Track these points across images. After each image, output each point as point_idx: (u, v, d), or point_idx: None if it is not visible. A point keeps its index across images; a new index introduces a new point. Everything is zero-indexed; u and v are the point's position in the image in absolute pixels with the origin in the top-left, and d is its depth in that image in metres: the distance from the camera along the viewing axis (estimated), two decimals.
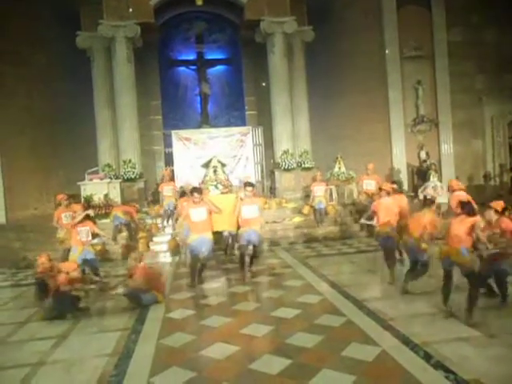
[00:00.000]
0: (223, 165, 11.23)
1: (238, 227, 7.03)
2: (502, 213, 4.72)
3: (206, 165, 11.23)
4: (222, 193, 9.71)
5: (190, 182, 11.01)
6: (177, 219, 8.19)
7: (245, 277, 6.54)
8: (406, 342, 3.79)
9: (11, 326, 5.08)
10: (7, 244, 10.06)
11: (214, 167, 10.74)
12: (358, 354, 3.62)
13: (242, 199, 6.73)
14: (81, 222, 6.66)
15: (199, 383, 3.32)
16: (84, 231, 6.58)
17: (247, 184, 6.96)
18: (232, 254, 8.38)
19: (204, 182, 10.50)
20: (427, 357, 3.47)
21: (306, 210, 10.60)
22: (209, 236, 6.35)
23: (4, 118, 13.45)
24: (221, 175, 10.62)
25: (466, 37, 15.46)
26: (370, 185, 9.86)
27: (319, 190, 10.33)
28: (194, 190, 6.51)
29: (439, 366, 3.31)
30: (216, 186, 10.05)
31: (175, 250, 9.10)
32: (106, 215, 10.09)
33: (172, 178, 11.79)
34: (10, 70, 13.28)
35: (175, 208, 9.67)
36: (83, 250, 6.48)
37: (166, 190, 10.47)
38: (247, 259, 6.75)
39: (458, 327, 4.10)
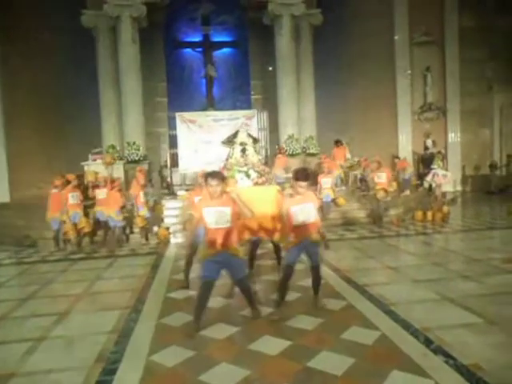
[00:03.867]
0: (255, 141, 7.69)
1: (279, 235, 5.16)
2: None
3: (230, 141, 7.72)
4: (257, 184, 6.61)
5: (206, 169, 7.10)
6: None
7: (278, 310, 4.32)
8: (407, 326, 3.78)
9: (14, 302, 5.12)
10: (11, 222, 10.11)
11: (243, 144, 7.03)
12: (358, 337, 3.61)
13: (291, 195, 4.38)
14: None
15: (198, 362, 3.33)
16: None
17: (301, 176, 4.27)
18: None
19: (227, 166, 7.03)
20: (427, 342, 3.46)
21: None
22: (234, 253, 4.03)
23: (9, 97, 13.40)
24: (253, 157, 7.03)
25: (477, 22, 15.18)
26: (380, 177, 9.62)
27: (327, 182, 9.97)
28: (211, 174, 3.99)
29: (439, 351, 3.30)
30: (246, 174, 6.77)
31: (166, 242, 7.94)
32: None
33: (145, 181, 9.57)
34: (15, 49, 13.19)
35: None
36: None
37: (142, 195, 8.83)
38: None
39: (460, 314, 4.08)
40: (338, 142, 12.49)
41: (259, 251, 6.07)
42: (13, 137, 13.43)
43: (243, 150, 6.97)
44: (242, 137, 7.15)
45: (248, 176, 6.70)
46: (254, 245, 5.74)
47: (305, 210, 4.25)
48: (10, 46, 13.09)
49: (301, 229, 4.26)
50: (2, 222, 10.46)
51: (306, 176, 4.28)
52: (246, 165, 6.83)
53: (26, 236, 8.96)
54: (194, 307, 4.00)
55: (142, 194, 8.86)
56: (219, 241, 3.92)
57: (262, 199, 5.07)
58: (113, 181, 9.18)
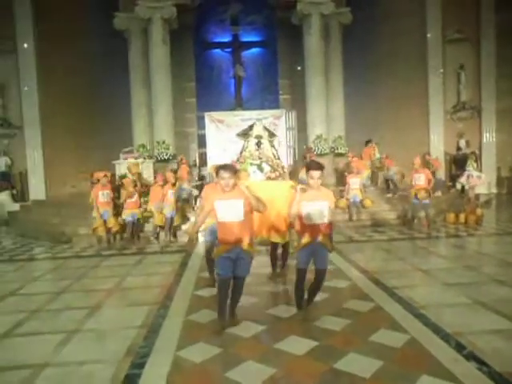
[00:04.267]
0: (272, 135, 7.38)
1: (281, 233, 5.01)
2: None
3: (245, 134, 7.56)
4: (269, 178, 6.40)
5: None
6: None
7: (300, 306, 4.22)
8: (437, 330, 3.69)
9: (48, 295, 5.31)
10: (47, 219, 10.49)
11: (258, 137, 6.91)
12: (386, 339, 3.55)
13: (304, 190, 3.94)
14: None
15: (225, 359, 3.36)
16: None
17: (313, 165, 4.00)
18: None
19: (241, 159, 6.88)
20: (459, 347, 3.36)
21: (342, 203, 9.77)
22: (247, 250, 3.85)
23: (45, 97, 13.89)
24: (268, 151, 6.81)
25: None
26: (419, 179, 9.23)
27: (355, 183, 9.88)
28: (223, 167, 3.83)
29: (471, 356, 3.20)
30: (259, 167, 6.61)
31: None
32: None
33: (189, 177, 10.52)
34: (51, 50, 13.66)
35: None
36: None
37: (170, 194, 8.99)
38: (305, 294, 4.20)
39: (493, 319, 3.95)
40: (368, 142, 12.36)
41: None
42: (48, 135, 13.93)
43: (258, 144, 6.81)
44: (257, 130, 7.00)
45: (261, 170, 6.58)
46: (274, 245, 5.63)
47: (317, 208, 3.90)
48: (46, 47, 13.60)
49: (311, 228, 3.93)
50: (39, 219, 10.89)
51: (318, 165, 3.95)
52: (259, 158, 6.68)
53: (62, 233, 9.27)
54: (217, 302, 3.94)
55: (170, 192, 8.99)
56: (231, 236, 3.77)
57: (273, 194, 4.78)
58: (155, 177, 10.01)
